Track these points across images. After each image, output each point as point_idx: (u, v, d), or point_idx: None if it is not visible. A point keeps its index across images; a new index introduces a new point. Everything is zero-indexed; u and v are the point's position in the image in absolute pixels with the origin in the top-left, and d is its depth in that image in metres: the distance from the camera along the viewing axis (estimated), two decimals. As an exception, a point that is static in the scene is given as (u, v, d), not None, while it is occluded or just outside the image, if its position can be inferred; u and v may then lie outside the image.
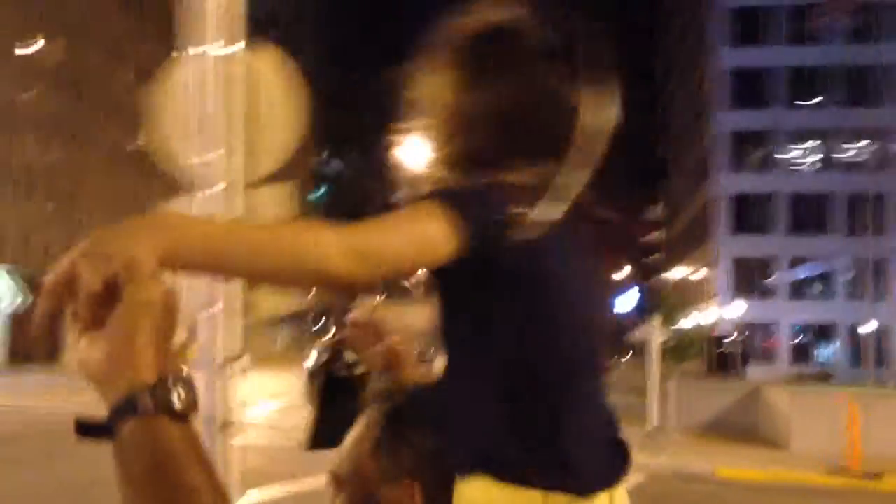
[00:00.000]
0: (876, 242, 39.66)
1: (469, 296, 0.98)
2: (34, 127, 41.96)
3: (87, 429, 0.70)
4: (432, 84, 1.09)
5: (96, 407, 0.70)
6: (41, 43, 41.12)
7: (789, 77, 51.29)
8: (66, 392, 11.59)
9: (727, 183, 51.66)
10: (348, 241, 0.88)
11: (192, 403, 0.69)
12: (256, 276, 0.90)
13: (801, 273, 53.65)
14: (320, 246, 0.85)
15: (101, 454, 0.76)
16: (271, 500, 8.79)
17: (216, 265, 0.79)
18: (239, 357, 2.57)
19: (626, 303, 31.23)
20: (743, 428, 16.03)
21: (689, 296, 55.49)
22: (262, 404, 22.49)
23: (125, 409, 0.67)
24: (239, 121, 2.34)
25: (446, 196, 0.97)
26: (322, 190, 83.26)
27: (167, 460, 0.66)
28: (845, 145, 51.34)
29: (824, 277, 53.43)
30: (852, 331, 50.64)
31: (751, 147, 52.98)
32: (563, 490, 0.98)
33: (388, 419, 1.05)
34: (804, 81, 50.75)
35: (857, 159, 50.98)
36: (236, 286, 2.43)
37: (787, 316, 49.15)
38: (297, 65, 2.67)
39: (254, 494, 8.08)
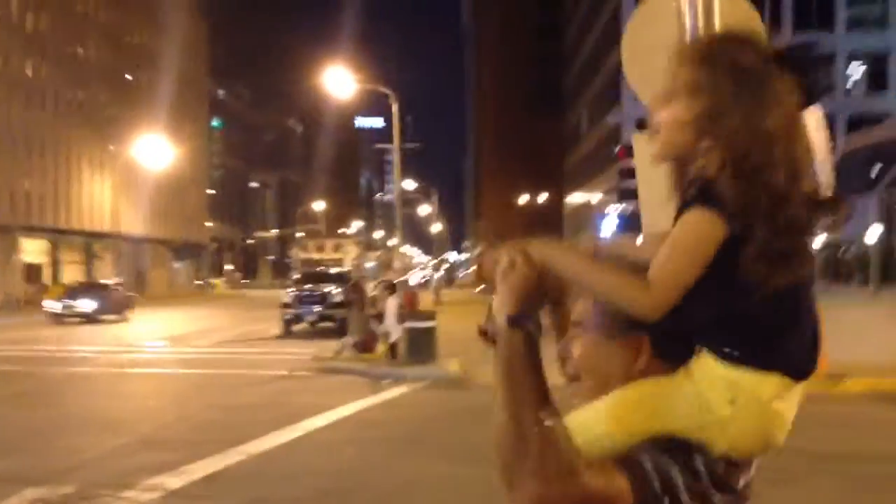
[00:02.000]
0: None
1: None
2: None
3: (484, 333, 1.42)
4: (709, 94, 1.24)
5: None
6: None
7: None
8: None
9: (632, 111, 52.98)
10: (654, 290, 1.22)
11: (537, 328, 1.34)
12: (582, 289, 1.38)
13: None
14: (629, 290, 1.24)
15: None
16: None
17: (559, 273, 1.33)
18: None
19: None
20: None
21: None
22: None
23: (506, 323, 1.34)
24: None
25: (717, 200, 1.20)
26: (218, 121, 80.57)
27: (514, 356, 1.32)
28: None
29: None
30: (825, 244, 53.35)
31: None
32: (779, 372, 1.26)
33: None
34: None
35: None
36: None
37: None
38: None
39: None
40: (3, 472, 7.75)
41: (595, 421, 1.30)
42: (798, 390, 1.30)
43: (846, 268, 39.73)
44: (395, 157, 27.69)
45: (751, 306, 1.23)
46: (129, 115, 59.81)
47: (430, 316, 16.68)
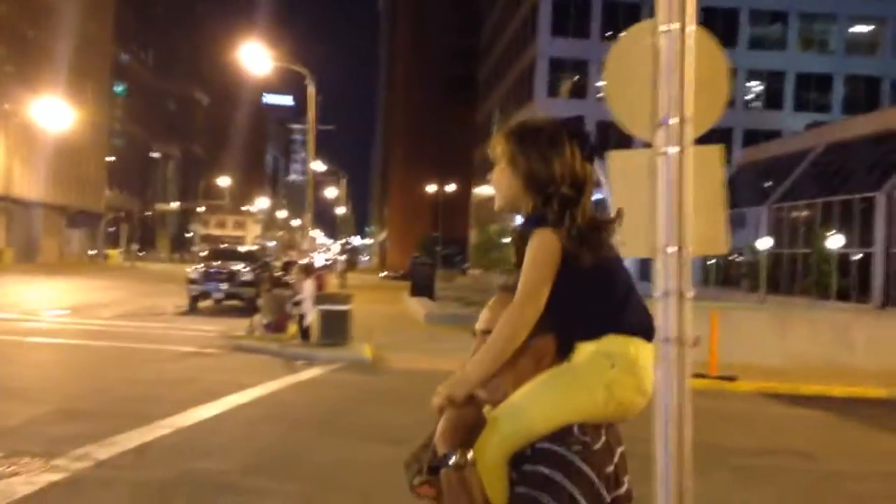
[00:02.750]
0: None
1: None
2: None
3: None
4: (510, 152, 1.90)
5: None
6: None
7: (604, 9, 54.10)
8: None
9: (543, 107, 54.07)
10: (519, 311, 1.78)
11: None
12: (501, 363, 1.81)
13: (597, 195, 57.77)
14: (510, 325, 1.78)
15: None
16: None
17: (486, 376, 1.80)
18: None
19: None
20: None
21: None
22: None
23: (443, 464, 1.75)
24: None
25: (546, 223, 1.81)
26: (122, 86, 77.80)
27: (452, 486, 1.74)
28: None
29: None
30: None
31: (565, 75, 55.69)
32: (634, 334, 1.81)
33: None
34: (616, 14, 53.58)
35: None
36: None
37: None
38: None
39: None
40: (-80, 437, 7.61)
41: (521, 414, 1.76)
42: (651, 350, 1.83)
43: (736, 273, 41.91)
44: (310, 138, 27.55)
45: (588, 292, 1.80)
46: (27, 74, 57.18)
47: (345, 299, 16.88)
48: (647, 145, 3.09)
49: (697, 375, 13.85)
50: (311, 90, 26.79)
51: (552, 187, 1.84)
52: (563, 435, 1.73)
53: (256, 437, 8.54)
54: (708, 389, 12.64)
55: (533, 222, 1.86)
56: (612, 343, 1.78)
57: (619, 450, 1.80)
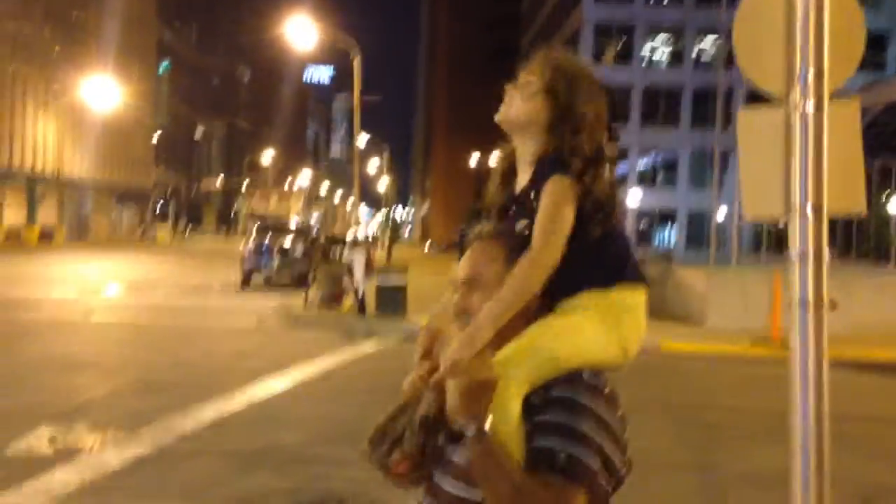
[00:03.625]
0: (725, 135, 42.82)
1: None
2: None
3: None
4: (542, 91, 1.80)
5: None
6: None
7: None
8: None
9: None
10: (540, 256, 1.66)
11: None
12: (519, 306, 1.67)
13: (648, 161, 57.20)
14: (531, 276, 1.65)
15: None
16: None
17: (504, 319, 1.64)
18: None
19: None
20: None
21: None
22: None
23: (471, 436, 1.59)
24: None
25: (568, 172, 1.71)
26: (166, 62, 78.50)
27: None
28: (696, 42, 54.19)
29: (669, 167, 57.23)
30: (691, 217, 55.04)
31: (610, 40, 54.85)
32: (637, 283, 1.74)
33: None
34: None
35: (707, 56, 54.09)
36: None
37: (635, 201, 52.06)
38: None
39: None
40: (8, 410, 7.80)
41: (539, 349, 1.66)
42: (644, 297, 1.77)
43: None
44: (356, 111, 27.53)
45: (602, 247, 1.72)
46: (74, 54, 57.96)
47: (402, 271, 16.91)
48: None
49: (757, 342, 13.66)
50: (357, 63, 26.77)
51: (582, 136, 1.73)
52: (573, 380, 1.65)
53: (330, 409, 8.60)
54: (769, 357, 12.42)
55: (554, 165, 1.72)
56: (620, 293, 1.72)
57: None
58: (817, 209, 2.82)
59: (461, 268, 1.76)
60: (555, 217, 1.67)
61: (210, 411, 7.94)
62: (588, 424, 1.60)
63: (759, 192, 3.02)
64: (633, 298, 1.74)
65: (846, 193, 2.90)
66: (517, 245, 1.70)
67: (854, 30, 2.97)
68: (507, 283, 1.66)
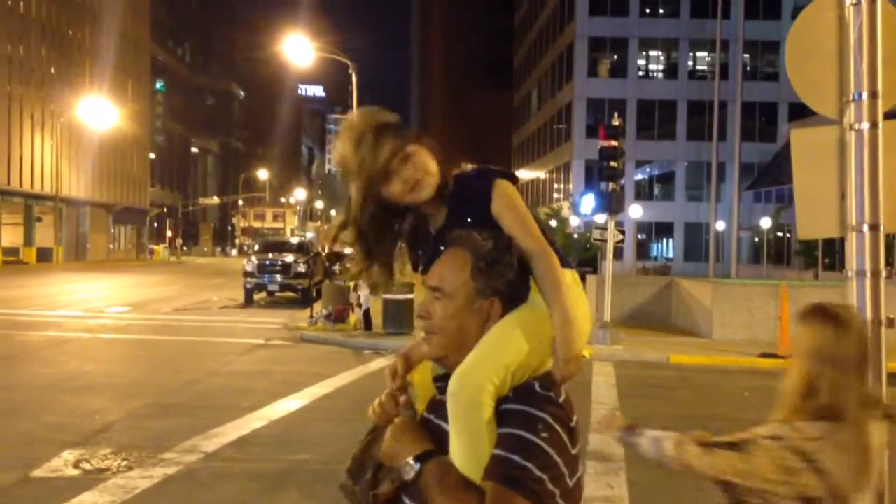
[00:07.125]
0: (721, 147, 43.11)
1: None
2: None
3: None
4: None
5: None
6: None
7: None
8: None
9: (583, 87, 53.67)
10: (549, 254, 1.77)
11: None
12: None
13: (644, 174, 57.35)
14: (557, 268, 1.77)
15: None
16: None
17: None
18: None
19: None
20: (657, 318, 17.60)
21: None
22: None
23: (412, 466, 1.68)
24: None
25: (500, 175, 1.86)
26: (160, 83, 78.62)
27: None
28: (690, 55, 54.48)
29: (665, 179, 57.41)
30: (687, 229, 55.18)
31: (604, 54, 55.14)
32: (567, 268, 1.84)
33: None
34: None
35: (701, 68, 54.37)
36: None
37: (634, 214, 52.09)
38: None
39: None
40: (31, 433, 7.78)
41: (500, 356, 1.71)
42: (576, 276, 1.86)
43: (780, 251, 41.26)
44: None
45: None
46: (71, 75, 58.05)
47: (408, 288, 16.91)
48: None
49: (765, 355, 13.68)
50: (355, 79, 26.89)
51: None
52: (527, 393, 1.70)
53: (347, 429, 8.57)
54: (777, 368, 12.42)
55: (487, 172, 1.87)
56: (570, 276, 1.83)
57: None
58: (874, 227, 2.86)
59: (430, 274, 1.83)
60: (526, 217, 1.80)
61: (230, 431, 7.93)
62: (541, 437, 1.64)
63: (814, 212, 3.06)
64: (572, 278, 1.83)
65: (901, 212, 2.94)
66: (485, 253, 1.76)
67: (905, 50, 3.01)
68: (549, 285, 1.76)
